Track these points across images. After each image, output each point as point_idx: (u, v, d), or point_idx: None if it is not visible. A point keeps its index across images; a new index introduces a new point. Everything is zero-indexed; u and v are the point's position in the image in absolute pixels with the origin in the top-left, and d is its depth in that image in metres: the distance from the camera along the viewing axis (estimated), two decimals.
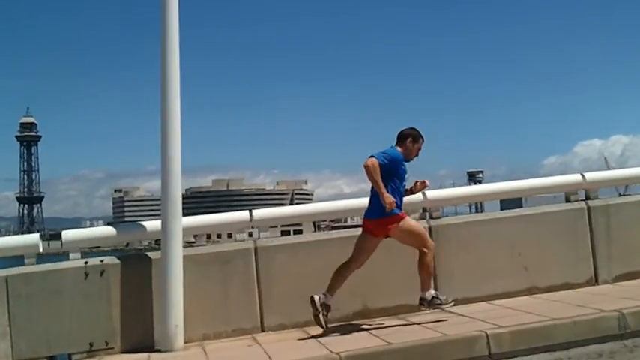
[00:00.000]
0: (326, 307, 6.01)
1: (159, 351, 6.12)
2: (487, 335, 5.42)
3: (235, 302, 6.50)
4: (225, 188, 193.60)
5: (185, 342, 6.17)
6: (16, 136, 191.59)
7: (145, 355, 6.07)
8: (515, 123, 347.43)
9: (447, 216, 8.45)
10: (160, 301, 6.13)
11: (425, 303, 6.12)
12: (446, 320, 6.09)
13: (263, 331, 6.52)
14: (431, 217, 7.24)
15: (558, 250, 7.11)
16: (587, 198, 7.44)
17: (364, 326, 6.27)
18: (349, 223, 45.19)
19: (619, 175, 7.81)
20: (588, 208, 7.28)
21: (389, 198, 5.79)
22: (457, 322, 6.04)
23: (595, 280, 7.18)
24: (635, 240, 7.25)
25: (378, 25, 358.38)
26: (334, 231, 7.33)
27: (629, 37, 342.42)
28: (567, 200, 7.46)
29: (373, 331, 5.99)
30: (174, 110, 6.36)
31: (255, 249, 6.61)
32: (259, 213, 6.85)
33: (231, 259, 6.56)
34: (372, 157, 5.89)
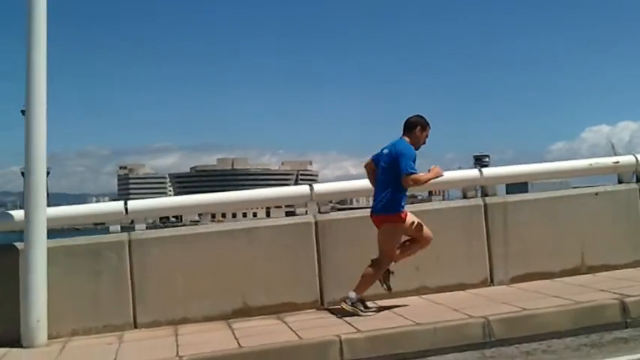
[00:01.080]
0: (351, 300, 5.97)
1: (21, 346, 5.92)
2: (341, 341, 5.20)
3: (107, 297, 6.26)
4: (230, 167, 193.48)
5: (52, 337, 5.96)
6: (22, 111, 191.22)
7: (4, 350, 5.88)
8: (523, 108, 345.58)
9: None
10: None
11: (347, 302, 5.97)
12: (322, 319, 5.96)
13: (136, 327, 6.31)
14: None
15: (452, 249, 6.81)
16: (485, 195, 7.15)
17: (235, 326, 6.05)
18: (354, 205, 44.94)
19: (518, 172, 7.47)
20: (485, 205, 6.99)
21: (434, 170, 6.03)
22: (325, 324, 5.84)
23: (491, 281, 6.92)
24: (533, 239, 6.97)
25: (390, 6, 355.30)
26: (214, 224, 7.04)
27: (638, 20, 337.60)
28: (464, 196, 7.19)
29: (237, 332, 5.78)
30: (38, 94, 6.11)
31: (129, 242, 6.36)
32: (135, 204, 6.62)
33: (104, 252, 6.31)
34: (413, 172, 5.85)
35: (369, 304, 6.17)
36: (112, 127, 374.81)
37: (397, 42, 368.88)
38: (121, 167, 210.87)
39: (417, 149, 6.09)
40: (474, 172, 7.21)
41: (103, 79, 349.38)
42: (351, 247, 6.54)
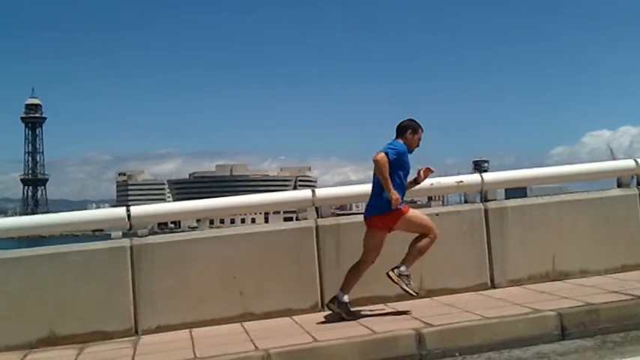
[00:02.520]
0: (344, 307, 6.07)
1: None
2: None
3: None
4: (229, 173, 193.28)
5: None
6: (21, 118, 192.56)
7: None
8: (523, 113, 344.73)
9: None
10: None
11: (395, 271, 6.02)
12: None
13: None
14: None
15: (281, 272, 6.55)
16: (318, 215, 6.88)
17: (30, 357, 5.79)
18: (354, 210, 44.54)
19: (350, 192, 7.15)
20: (317, 227, 6.70)
21: (395, 194, 5.84)
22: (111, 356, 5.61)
23: (321, 306, 6.64)
24: None
25: (390, 10, 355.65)
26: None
27: (638, 25, 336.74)
28: (297, 218, 6.92)
29: None
30: None
31: None
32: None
33: None
34: (383, 152, 5.88)
35: None
36: (113, 134, 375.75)
37: (398, 47, 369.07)
38: (119, 174, 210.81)
39: (410, 152, 6.17)
40: (306, 193, 6.90)
41: (104, 86, 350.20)
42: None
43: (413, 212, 6.15)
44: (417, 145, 6.23)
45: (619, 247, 7.24)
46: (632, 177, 7.53)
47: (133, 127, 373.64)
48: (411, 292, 6.01)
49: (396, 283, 5.98)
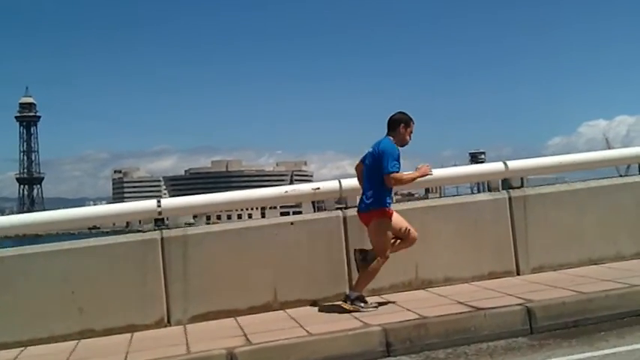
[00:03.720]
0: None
1: None
2: None
3: None
4: (224, 169, 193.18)
5: None
6: (16, 117, 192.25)
7: None
8: (520, 104, 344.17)
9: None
10: None
11: (348, 301, 6.09)
12: None
13: None
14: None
15: (123, 286, 6.33)
16: (160, 228, 6.65)
17: None
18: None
19: (198, 202, 6.91)
20: (162, 240, 6.46)
21: (421, 169, 6.16)
22: None
23: (168, 321, 6.40)
24: (219, 274, 6.46)
25: (385, 4, 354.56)
26: None
27: (636, 16, 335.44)
28: (140, 230, 6.69)
29: None
30: None
31: None
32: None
33: None
34: (391, 172, 5.89)
35: None
36: (110, 132, 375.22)
37: (394, 40, 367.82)
38: (115, 171, 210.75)
39: (402, 146, 6.12)
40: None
41: (100, 84, 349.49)
42: None
43: (391, 224, 6.09)
44: (409, 139, 6.20)
45: (486, 253, 7.01)
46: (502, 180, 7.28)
47: (130, 125, 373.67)
48: (371, 310, 6.02)
49: (352, 312, 5.95)
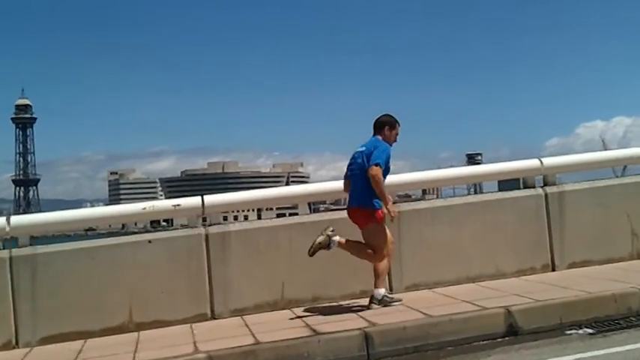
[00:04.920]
0: (381, 300, 6.13)
1: None
2: None
3: None
4: (220, 171, 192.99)
5: None
6: (12, 118, 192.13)
7: None
8: (517, 105, 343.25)
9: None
10: None
11: (374, 301, 6.15)
12: None
13: None
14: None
15: None
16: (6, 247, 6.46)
17: None
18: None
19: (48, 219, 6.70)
20: (10, 258, 6.26)
21: (393, 207, 6.06)
22: None
23: (16, 343, 6.21)
24: (70, 294, 6.27)
25: (382, 3, 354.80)
26: None
27: (633, 17, 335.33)
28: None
29: None
30: None
31: None
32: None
33: None
34: (377, 164, 5.91)
35: None
36: (107, 133, 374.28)
37: (392, 41, 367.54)
38: (111, 173, 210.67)
39: None
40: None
41: (97, 85, 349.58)
42: None
43: (383, 227, 6.13)
44: (395, 140, 6.27)
45: (360, 271, 6.78)
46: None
47: (127, 126, 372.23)
48: (396, 302, 6.13)
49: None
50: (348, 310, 6.27)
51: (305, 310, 6.43)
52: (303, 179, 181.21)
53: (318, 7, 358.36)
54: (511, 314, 5.54)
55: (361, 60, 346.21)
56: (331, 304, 6.62)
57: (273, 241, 6.70)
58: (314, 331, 5.53)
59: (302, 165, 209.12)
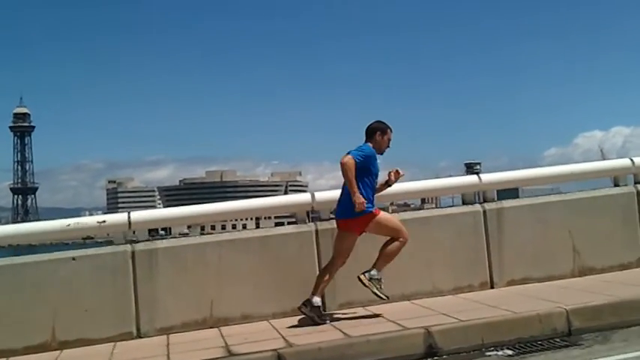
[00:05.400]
0: (315, 309, 6.10)
1: None
2: None
3: None
4: (219, 179, 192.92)
5: None
6: (10, 127, 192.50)
7: None
8: (517, 114, 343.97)
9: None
10: None
11: (366, 275, 6.10)
12: None
13: None
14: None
15: None
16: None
17: None
18: None
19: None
20: None
21: (359, 198, 5.89)
22: None
23: None
24: None
25: (382, 13, 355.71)
26: None
27: (631, 27, 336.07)
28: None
29: None
30: None
31: None
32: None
33: None
34: (349, 154, 5.95)
35: None
36: (106, 141, 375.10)
37: (390, 50, 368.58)
38: (109, 181, 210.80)
39: (381, 153, 6.26)
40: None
41: (96, 94, 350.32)
42: None
43: (384, 215, 6.19)
44: (388, 146, 6.29)
45: (290, 288, 6.67)
46: (307, 212, 6.99)
47: (126, 135, 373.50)
48: (381, 296, 6.06)
49: (367, 286, 6.04)
50: (274, 329, 6.15)
51: (232, 330, 6.31)
52: (301, 188, 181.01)
53: (319, 17, 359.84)
54: (431, 335, 5.43)
55: (361, 69, 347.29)
56: (259, 322, 6.50)
57: (201, 258, 6.57)
58: (229, 352, 5.42)
59: (300, 174, 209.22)
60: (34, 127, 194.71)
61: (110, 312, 6.38)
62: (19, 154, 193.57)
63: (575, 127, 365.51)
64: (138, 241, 6.59)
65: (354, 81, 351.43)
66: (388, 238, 6.19)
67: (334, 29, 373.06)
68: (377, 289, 6.05)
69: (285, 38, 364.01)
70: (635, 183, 7.64)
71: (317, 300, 6.12)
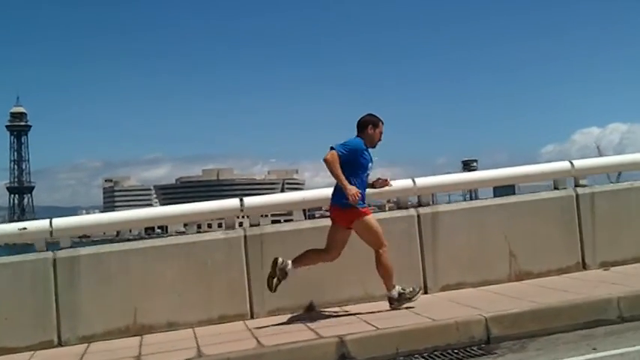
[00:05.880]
0: (283, 273, 5.99)
1: None
2: None
3: None
4: (215, 178, 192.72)
5: None
6: (6, 126, 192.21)
7: None
8: (514, 111, 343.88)
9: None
10: None
11: (394, 302, 6.18)
12: None
13: None
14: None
15: None
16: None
17: None
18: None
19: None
20: None
21: (352, 190, 5.83)
22: None
23: None
24: None
25: (381, 10, 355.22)
26: None
27: (627, 24, 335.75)
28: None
29: None
30: None
31: None
32: None
33: None
34: (332, 148, 5.90)
35: None
36: (104, 140, 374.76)
37: (387, 47, 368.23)
38: (106, 180, 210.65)
39: (373, 147, 6.23)
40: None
41: (93, 93, 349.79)
42: None
43: (372, 219, 6.14)
44: (380, 139, 6.24)
45: (217, 295, 6.58)
46: (237, 217, 6.89)
47: (124, 133, 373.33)
48: (415, 295, 6.21)
49: (404, 307, 6.13)
50: (194, 337, 6.05)
51: (154, 338, 6.21)
52: (298, 186, 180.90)
53: (315, 14, 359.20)
54: (344, 343, 5.32)
55: (359, 66, 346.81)
56: (184, 330, 6.39)
57: (125, 266, 6.47)
58: None
59: (297, 172, 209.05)
60: (30, 126, 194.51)
61: (30, 320, 6.27)
62: (15, 153, 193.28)
63: (573, 124, 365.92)
64: (62, 248, 6.48)
65: (353, 78, 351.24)
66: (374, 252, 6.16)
67: (333, 26, 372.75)
68: (409, 297, 6.19)
69: (283, 36, 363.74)
70: (575, 186, 7.52)
71: (289, 265, 6.02)
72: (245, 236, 6.70)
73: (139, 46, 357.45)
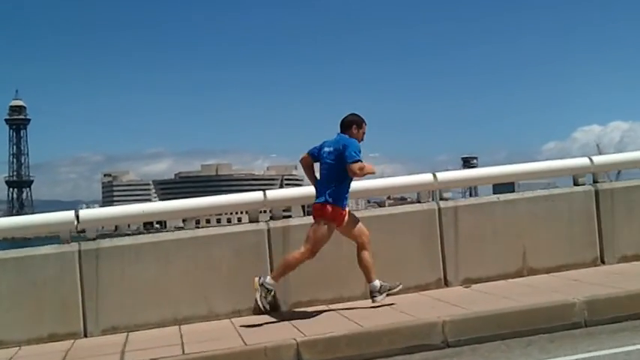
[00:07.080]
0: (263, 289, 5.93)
1: None
2: None
3: None
4: (214, 173, 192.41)
5: None
6: (5, 120, 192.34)
7: None
8: (515, 109, 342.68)
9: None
10: None
11: (377, 295, 6.30)
12: None
13: None
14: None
15: None
16: None
17: None
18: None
19: None
20: None
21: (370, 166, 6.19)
22: None
23: None
24: None
25: (381, 7, 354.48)
26: None
27: (629, 22, 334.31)
28: None
29: None
30: None
31: None
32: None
33: None
34: (359, 160, 5.93)
35: None
36: (105, 134, 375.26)
37: (388, 44, 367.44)
38: (105, 175, 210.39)
39: None
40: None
41: (95, 87, 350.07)
42: None
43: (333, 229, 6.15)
44: (362, 140, 6.26)
45: (47, 313, 6.32)
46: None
47: (125, 128, 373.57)
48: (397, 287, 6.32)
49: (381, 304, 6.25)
50: (18, 357, 5.83)
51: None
52: (297, 182, 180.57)
53: (317, 11, 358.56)
54: None
55: (360, 64, 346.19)
56: (11, 349, 6.14)
57: None
58: None
59: (296, 168, 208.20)
60: (29, 119, 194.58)
61: None
62: (14, 146, 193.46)
63: (574, 122, 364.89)
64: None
65: (354, 75, 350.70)
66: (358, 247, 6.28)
67: (333, 25, 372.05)
68: (385, 293, 6.26)
69: (284, 33, 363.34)
70: (440, 199, 7.25)
71: (269, 281, 5.96)
72: (79, 251, 6.46)
73: (141, 41, 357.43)
